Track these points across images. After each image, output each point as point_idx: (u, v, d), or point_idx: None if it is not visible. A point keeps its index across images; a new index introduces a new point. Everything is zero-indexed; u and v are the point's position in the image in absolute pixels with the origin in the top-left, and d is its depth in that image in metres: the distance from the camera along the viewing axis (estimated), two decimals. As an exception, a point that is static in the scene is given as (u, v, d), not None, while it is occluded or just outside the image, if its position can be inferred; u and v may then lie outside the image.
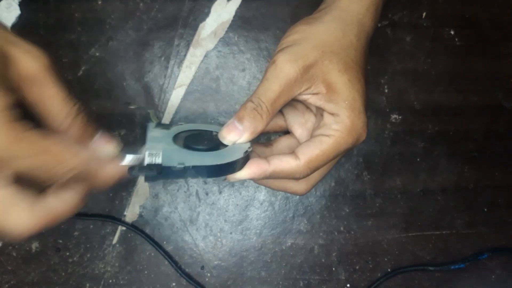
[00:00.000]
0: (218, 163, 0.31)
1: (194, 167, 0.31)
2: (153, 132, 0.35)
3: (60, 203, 0.29)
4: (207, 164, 0.31)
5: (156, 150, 0.31)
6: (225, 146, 0.34)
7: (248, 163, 0.33)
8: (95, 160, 0.29)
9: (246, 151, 0.33)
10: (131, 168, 0.29)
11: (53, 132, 0.29)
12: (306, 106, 0.40)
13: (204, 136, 0.35)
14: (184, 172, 0.31)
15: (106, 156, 0.30)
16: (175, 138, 0.35)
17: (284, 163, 0.33)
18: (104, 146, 0.30)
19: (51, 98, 0.28)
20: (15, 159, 0.25)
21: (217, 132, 0.35)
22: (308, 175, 0.34)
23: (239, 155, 0.32)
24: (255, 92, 0.34)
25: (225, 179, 0.34)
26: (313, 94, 0.35)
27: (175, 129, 0.36)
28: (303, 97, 0.35)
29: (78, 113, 0.29)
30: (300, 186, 0.38)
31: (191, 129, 0.37)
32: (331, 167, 0.39)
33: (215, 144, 0.34)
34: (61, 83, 0.28)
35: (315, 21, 0.36)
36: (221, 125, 0.36)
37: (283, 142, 0.40)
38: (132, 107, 0.42)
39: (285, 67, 0.33)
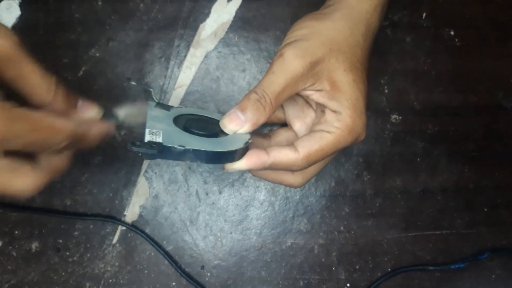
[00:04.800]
0: (218, 150, 0.31)
1: (194, 150, 0.31)
2: (153, 111, 0.35)
3: (55, 164, 0.31)
4: (207, 150, 0.31)
5: (157, 129, 0.31)
6: (225, 134, 0.34)
7: (248, 154, 0.33)
8: (83, 124, 0.30)
9: (247, 142, 0.33)
10: (132, 143, 0.30)
11: (38, 107, 0.29)
12: (306, 100, 0.40)
13: (204, 122, 0.35)
14: (184, 154, 0.31)
15: (91, 119, 0.32)
16: (175, 120, 0.35)
17: (283, 155, 0.33)
18: (87, 111, 0.32)
19: (30, 74, 0.28)
20: (9, 140, 0.25)
21: (217, 120, 0.35)
22: (305, 168, 0.35)
23: (239, 145, 0.32)
24: (260, 84, 0.33)
25: (223, 168, 0.34)
26: (317, 90, 0.35)
27: (175, 111, 0.36)
28: (306, 92, 0.35)
29: (58, 85, 0.30)
30: (296, 179, 0.38)
31: (191, 113, 0.37)
32: (327, 163, 0.39)
33: (216, 131, 0.34)
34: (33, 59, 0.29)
35: (324, 17, 0.36)
36: (222, 113, 0.36)
37: (282, 135, 0.40)
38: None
39: (292, 62, 0.33)
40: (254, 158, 0.33)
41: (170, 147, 0.30)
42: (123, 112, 0.35)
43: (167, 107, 0.36)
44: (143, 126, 0.33)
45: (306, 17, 0.37)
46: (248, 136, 0.34)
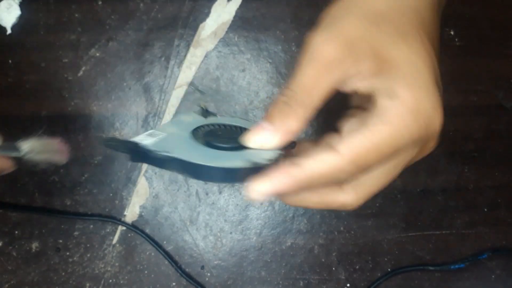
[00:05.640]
0: (214, 165, 0.24)
1: (180, 160, 0.24)
2: (184, 117, 0.30)
3: None
4: (197, 163, 0.24)
5: (161, 133, 0.27)
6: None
7: (272, 171, 0.24)
8: None
9: (271, 159, 0.25)
10: (106, 139, 0.26)
11: None
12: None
13: (232, 133, 0.30)
14: (164, 163, 0.25)
15: None
16: (198, 129, 0.30)
17: (320, 163, 0.24)
18: None
19: None
20: None
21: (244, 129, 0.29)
22: (355, 174, 0.25)
23: (262, 160, 0.25)
24: (287, 84, 0.26)
25: (244, 196, 0.29)
26: (360, 75, 0.26)
27: (208, 120, 0.31)
28: (348, 84, 0.26)
29: None
30: (346, 195, 0.27)
31: (224, 123, 0.31)
32: (394, 175, 0.27)
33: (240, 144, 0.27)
34: None
35: None
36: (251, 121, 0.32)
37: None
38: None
39: (322, 47, 0.25)
40: (280, 175, 0.24)
41: (149, 150, 0.24)
42: (27, 146, 0.31)
43: (208, 114, 0.32)
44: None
45: None
46: (274, 153, 0.26)
